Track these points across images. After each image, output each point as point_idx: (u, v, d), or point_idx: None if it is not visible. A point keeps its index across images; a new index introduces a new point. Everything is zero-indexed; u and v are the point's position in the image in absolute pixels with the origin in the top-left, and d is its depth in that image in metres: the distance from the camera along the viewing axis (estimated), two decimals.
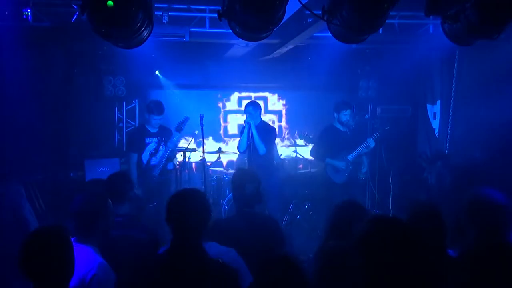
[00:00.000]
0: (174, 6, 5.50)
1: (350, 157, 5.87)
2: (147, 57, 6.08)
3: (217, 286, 2.25)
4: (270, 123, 7.25)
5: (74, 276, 2.16)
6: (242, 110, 6.65)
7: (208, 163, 6.69)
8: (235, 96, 7.82)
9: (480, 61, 5.62)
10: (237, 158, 6.99)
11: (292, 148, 7.17)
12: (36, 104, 5.53)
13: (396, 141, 6.86)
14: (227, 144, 7.72)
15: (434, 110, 6.94)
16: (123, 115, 7.12)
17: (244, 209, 3.29)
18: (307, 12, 3.87)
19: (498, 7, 3.20)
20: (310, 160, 6.62)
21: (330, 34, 3.67)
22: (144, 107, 6.06)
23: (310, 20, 5.03)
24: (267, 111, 7.88)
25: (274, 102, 7.98)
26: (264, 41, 4.13)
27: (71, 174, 6.33)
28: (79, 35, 5.31)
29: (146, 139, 5.56)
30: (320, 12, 3.30)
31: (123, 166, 6.16)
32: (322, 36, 5.65)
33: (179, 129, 5.47)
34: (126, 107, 7.13)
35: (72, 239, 2.24)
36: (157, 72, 6.97)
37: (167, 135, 5.57)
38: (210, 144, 7.45)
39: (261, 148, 5.68)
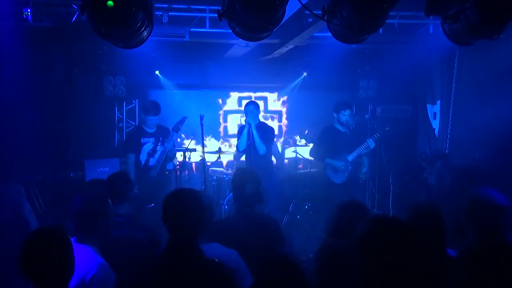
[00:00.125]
0: (174, 6, 5.51)
1: (349, 157, 5.87)
2: (147, 57, 6.07)
3: (213, 286, 2.25)
4: (268, 122, 7.25)
5: (74, 276, 2.16)
6: (242, 110, 6.64)
7: (208, 163, 6.70)
8: (235, 96, 7.81)
9: (480, 61, 5.59)
10: (238, 159, 6.99)
11: (292, 148, 7.17)
12: (36, 104, 5.53)
13: (396, 141, 6.86)
14: (230, 144, 7.71)
15: (434, 110, 6.93)
16: (123, 115, 7.13)
17: (244, 209, 3.28)
18: (307, 12, 3.87)
19: (498, 7, 3.20)
20: (310, 160, 6.62)
21: (330, 34, 3.67)
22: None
23: (310, 20, 5.03)
24: (267, 111, 7.88)
25: (274, 102, 7.98)
26: (264, 41, 4.13)
27: (71, 174, 6.33)
28: (79, 35, 5.32)
29: (142, 139, 5.56)
30: (320, 12, 3.30)
31: (123, 166, 6.16)
32: (322, 36, 5.66)
33: (176, 129, 5.47)
34: (126, 107, 7.14)
35: (72, 239, 2.24)
36: (157, 72, 6.97)
37: (164, 135, 5.57)
38: (210, 144, 7.45)
39: (262, 149, 5.68)
